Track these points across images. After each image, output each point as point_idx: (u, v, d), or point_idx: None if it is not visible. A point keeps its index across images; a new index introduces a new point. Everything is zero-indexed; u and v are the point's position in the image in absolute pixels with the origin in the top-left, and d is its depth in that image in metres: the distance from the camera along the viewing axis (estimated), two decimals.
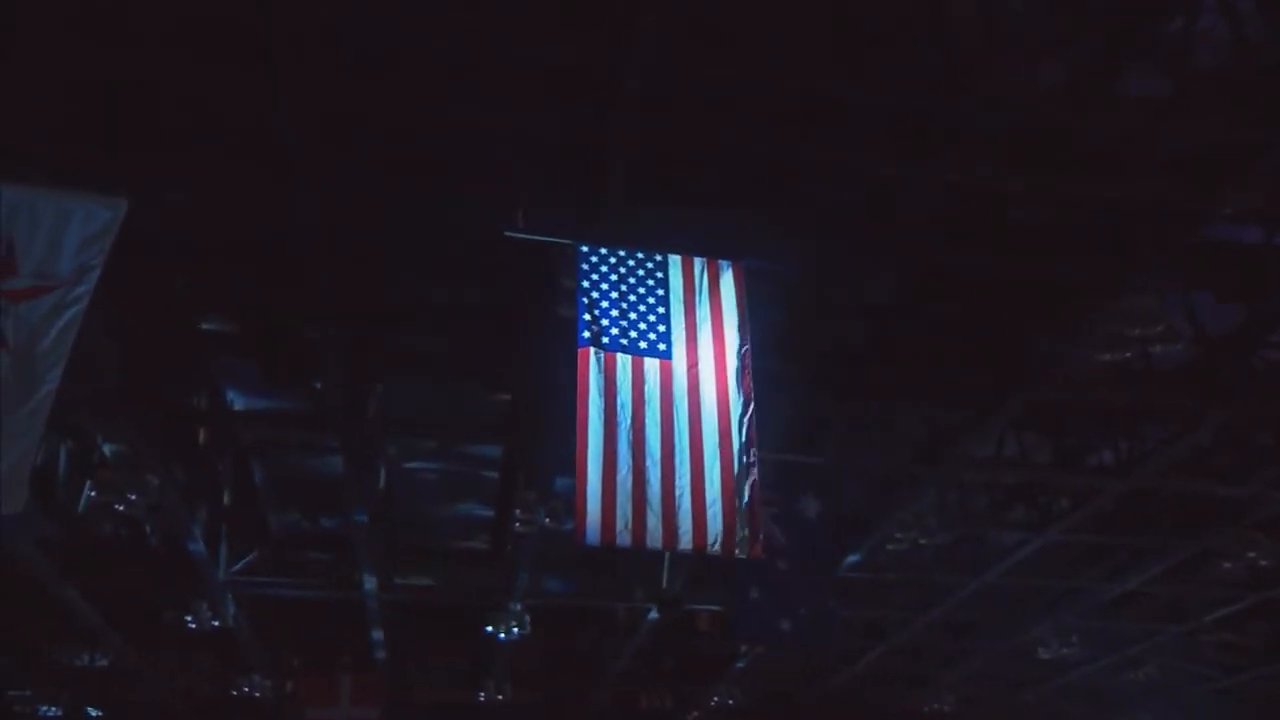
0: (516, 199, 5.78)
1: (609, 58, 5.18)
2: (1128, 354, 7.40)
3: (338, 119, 5.84)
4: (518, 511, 8.98)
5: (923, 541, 9.55)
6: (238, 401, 8.86)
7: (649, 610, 11.11)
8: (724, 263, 5.72)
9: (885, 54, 5.52)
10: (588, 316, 5.36)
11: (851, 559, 10.20)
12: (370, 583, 10.32)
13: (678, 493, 5.07)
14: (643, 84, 5.20)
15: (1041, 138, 6.00)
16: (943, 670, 14.44)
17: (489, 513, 10.57)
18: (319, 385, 8.16)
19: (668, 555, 10.52)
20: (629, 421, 5.16)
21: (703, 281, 5.66)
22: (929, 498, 9.63)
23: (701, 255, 5.75)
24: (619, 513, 4.94)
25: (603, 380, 5.22)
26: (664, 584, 10.59)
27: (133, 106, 5.73)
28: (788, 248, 6.09)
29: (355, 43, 5.38)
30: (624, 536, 4.97)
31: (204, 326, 7.97)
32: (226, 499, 9.64)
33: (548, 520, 8.96)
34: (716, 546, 5.03)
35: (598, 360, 5.27)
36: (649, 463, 5.09)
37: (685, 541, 5.06)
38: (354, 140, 5.98)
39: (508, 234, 5.64)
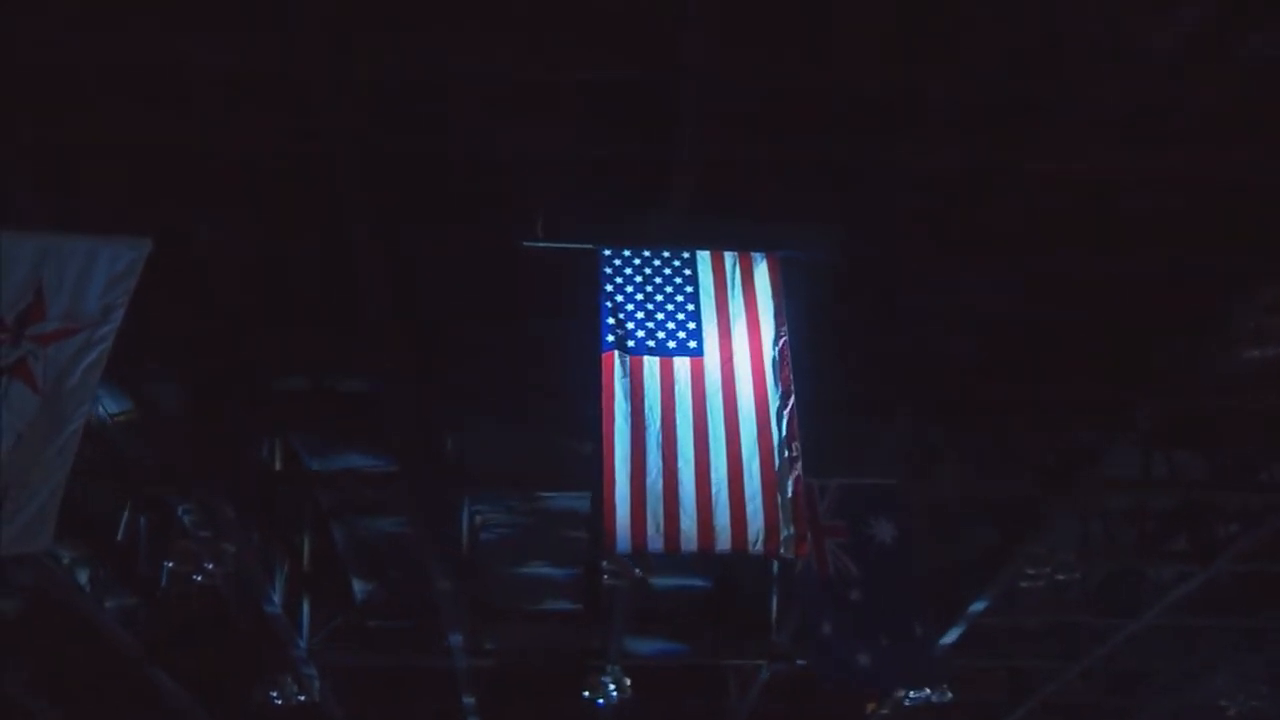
0: (540, 210, 5.79)
1: (659, 73, 5.20)
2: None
3: (383, 158, 5.93)
4: (605, 563, 8.86)
5: (1060, 578, 9.01)
6: (314, 464, 9.04)
7: (761, 669, 10.76)
8: (757, 255, 5.73)
9: (964, 37, 5.28)
10: (611, 321, 5.44)
11: (978, 606, 9.64)
12: (458, 647, 10.32)
13: (714, 491, 5.04)
14: (696, 92, 5.19)
15: (1153, 115, 5.68)
16: None
17: (578, 571, 10.48)
18: (393, 440, 8.24)
19: (775, 605, 10.30)
20: (658, 423, 5.19)
21: (735, 275, 5.68)
22: (1063, 529, 9.06)
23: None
24: (649, 516, 4.94)
25: (629, 384, 5.27)
26: (773, 636, 10.28)
27: (182, 164, 5.95)
28: (845, 245, 5.93)
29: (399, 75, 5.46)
30: (655, 541, 4.95)
31: (276, 387, 8.17)
32: (306, 564, 9.80)
33: (639, 571, 8.81)
34: (759, 546, 4.97)
35: (623, 364, 5.33)
36: (681, 463, 5.09)
37: (723, 542, 4.99)
38: (399, 178, 6.06)
39: (526, 244, 5.67)
